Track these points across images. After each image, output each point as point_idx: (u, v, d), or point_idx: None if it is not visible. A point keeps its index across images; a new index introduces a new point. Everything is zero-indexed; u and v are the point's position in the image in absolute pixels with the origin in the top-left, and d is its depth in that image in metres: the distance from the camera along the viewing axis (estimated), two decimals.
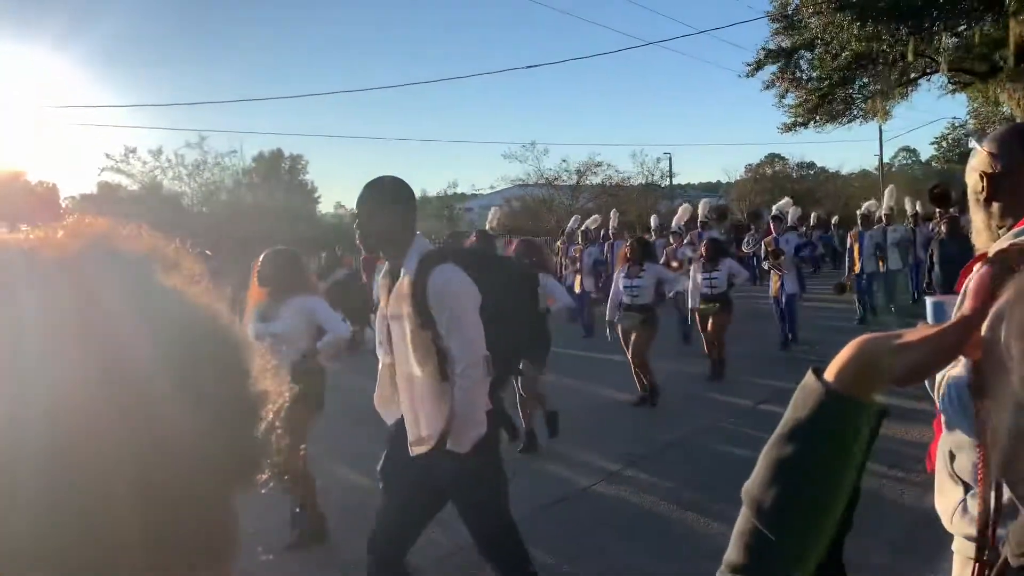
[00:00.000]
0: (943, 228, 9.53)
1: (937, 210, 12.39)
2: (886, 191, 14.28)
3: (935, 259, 8.94)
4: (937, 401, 1.71)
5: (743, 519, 0.77)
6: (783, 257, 10.82)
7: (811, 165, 46.22)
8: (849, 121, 22.12)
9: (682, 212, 14.29)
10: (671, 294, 9.88)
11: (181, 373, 0.47)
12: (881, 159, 38.39)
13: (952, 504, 1.71)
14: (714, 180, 51.54)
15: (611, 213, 15.91)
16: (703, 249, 9.17)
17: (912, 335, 0.75)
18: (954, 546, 1.73)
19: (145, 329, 0.47)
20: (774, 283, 10.85)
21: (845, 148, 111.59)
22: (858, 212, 14.10)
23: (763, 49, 21.28)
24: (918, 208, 15.11)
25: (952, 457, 1.72)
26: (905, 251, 12.92)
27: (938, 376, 1.65)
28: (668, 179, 37.97)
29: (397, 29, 77.95)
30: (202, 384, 0.49)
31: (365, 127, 75.11)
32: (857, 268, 12.46)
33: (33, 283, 0.46)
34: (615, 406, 7.82)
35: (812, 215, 23.72)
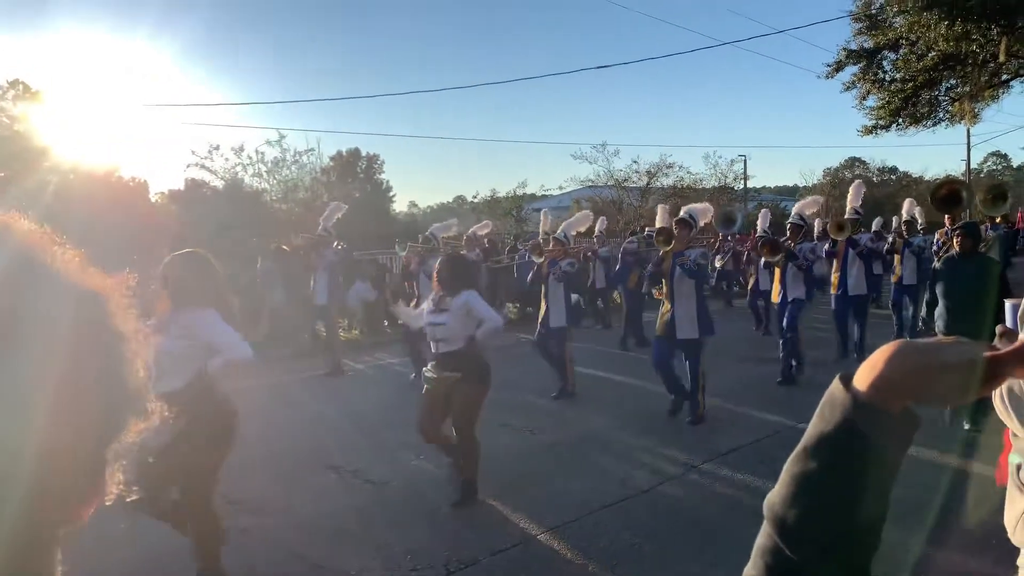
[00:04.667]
0: (956, 242, 6.84)
1: (947, 218, 10.43)
2: (906, 202, 13.09)
3: (938, 288, 6.70)
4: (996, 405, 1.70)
5: (764, 535, 0.73)
6: (778, 255, 9.12)
7: (893, 170, 44.69)
8: (934, 124, 21.38)
9: (660, 213, 11.13)
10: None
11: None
12: (968, 164, 36.81)
13: (1016, 515, 1.71)
14: (790, 184, 50.33)
15: (599, 219, 15.13)
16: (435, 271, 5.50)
17: (955, 352, 0.70)
18: (1019, 561, 1.72)
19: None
20: (775, 289, 9.56)
21: (929, 152, 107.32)
22: (901, 219, 12.67)
23: (844, 49, 20.75)
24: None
25: (1019, 468, 1.71)
26: None
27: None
28: (742, 182, 37.25)
29: (471, 31, 78.63)
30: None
31: (438, 127, 76.06)
32: (896, 276, 11.51)
33: None
34: (685, 408, 7.80)
35: (894, 221, 22.91)
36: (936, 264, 7.12)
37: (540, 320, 8.65)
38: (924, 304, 7.09)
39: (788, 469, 0.72)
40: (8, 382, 0.43)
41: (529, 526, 4.85)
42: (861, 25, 20.14)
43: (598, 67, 32.95)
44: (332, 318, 10.68)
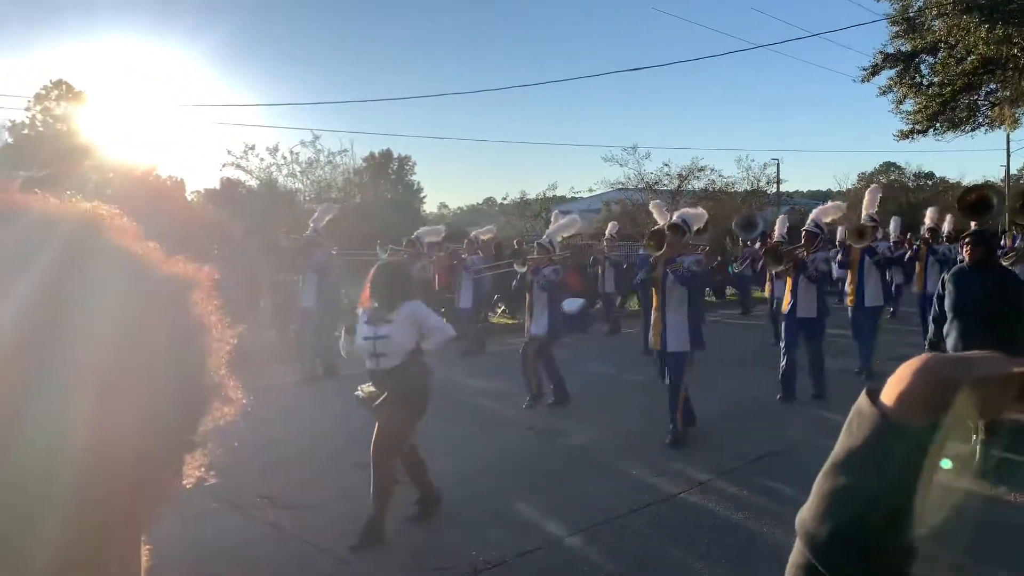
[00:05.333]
0: (965, 251, 6.21)
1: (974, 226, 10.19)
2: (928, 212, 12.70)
3: (946, 302, 6.09)
4: None
5: (797, 552, 0.73)
6: (786, 262, 8.54)
7: (929, 175, 43.91)
8: (973, 129, 21.00)
9: (656, 211, 10.61)
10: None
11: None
12: (1008, 170, 36.03)
13: None
14: (824, 188, 49.70)
15: (610, 223, 14.95)
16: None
17: (986, 366, 0.68)
18: None
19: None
20: (785, 298, 8.77)
21: (968, 158, 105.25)
22: (924, 225, 12.22)
23: (881, 53, 20.45)
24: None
25: None
26: None
27: None
28: (775, 186, 36.87)
29: (504, 33, 78.81)
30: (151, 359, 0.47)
31: (470, 129, 76.38)
32: (919, 285, 11.25)
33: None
34: (709, 416, 7.76)
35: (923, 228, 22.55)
36: (944, 276, 6.47)
37: (526, 329, 8.39)
38: (931, 321, 6.38)
39: (818, 485, 0.72)
40: (82, 365, 0.43)
41: (555, 528, 4.87)
42: (898, 28, 19.83)
43: (631, 69, 32.91)
44: (321, 321, 9.85)
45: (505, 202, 33.08)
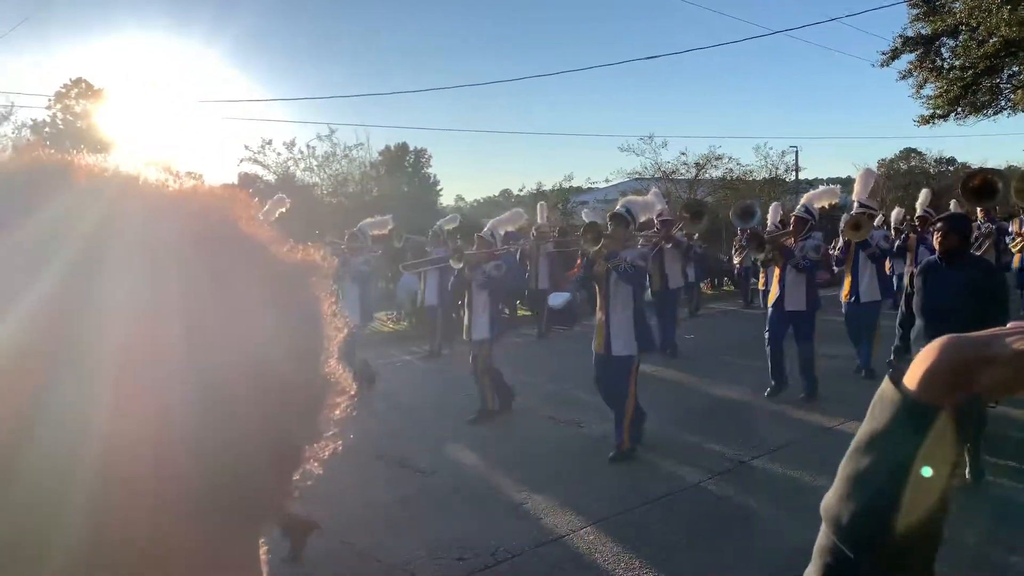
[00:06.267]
0: (936, 240, 5.38)
1: (980, 212, 9.28)
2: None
3: (914, 302, 5.31)
4: None
5: (823, 535, 0.74)
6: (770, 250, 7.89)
7: (951, 161, 43.26)
8: (995, 113, 20.72)
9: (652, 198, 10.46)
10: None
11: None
12: None
13: None
14: (843, 175, 49.15)
15: (538, 205, 14.26)
16: None
17: (1004, 345, 0.67)
18: None
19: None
20: (772, 290, 8.07)
21: (990, 143, 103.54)
22: (916, 212, 11.48)
23: (900, 36, 20.24)
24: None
25: None
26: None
27: None
28: (794, 173, 36.56)
29: (517, 23, 78.55)
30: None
31: (484, 121, 76.27)
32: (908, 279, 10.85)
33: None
34: (730, 405, 7.74)
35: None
36: (911, 270, 5.70)
37: (465, 330, 7.70)
38: (897, 324, 5.51)
39: (842, 469, 0.72)
40: (201, 355, 0.41)
41: (576, 518, 4.88)
42: (918, 11, 19.58)
43: (647, 57, 32.74)
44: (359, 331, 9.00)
45: (521, 193, 33.06)
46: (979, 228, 10.74)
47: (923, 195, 11.51)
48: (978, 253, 10.54)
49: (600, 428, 6.95)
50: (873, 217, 9.30)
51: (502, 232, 8.83)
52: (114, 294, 0.40)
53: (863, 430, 0.71)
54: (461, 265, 7.65)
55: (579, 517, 4.89)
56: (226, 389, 0.42)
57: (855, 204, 8.90)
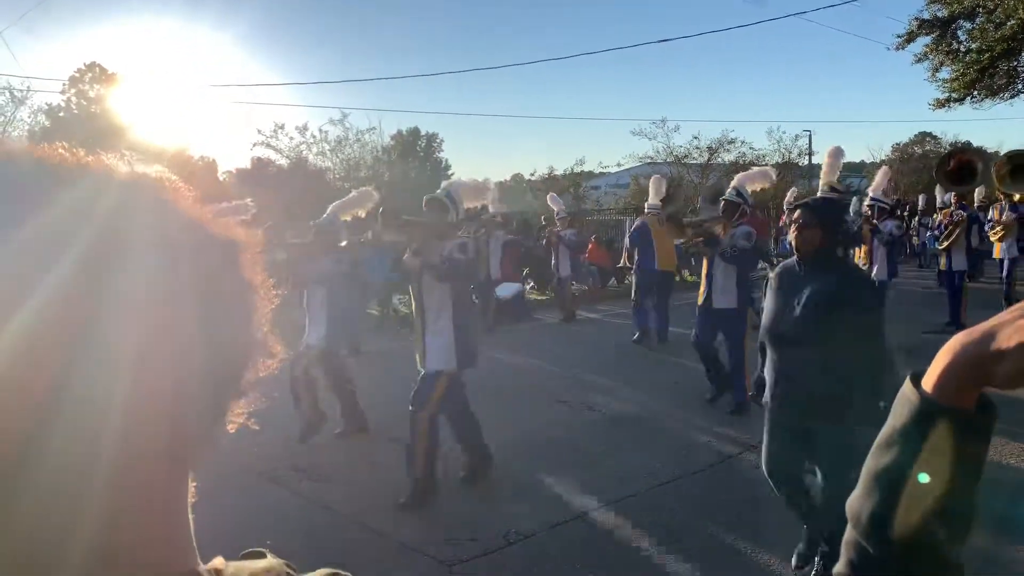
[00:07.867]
0: (792, 234, 3.78)
1: (949, 198, 8.90)
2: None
3: (763, 318, 3.91)
4: None
5: (848, 531, 0.75)
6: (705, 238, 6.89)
7: (967, 145, 42.88)
8: (1012, 96, 20.49)
9: (655, 186, 10.46)
10: None
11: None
12: None
13: None
14: (857, 160, 48.71)
15: (549, 197, 13.32)
16: None
17: (1007, 335, 0.65)
18: None
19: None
20: (701, 288, 7.07)
21: (1006, 126, 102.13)
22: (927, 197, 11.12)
23: (916, 19, 19.98)
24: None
25: None
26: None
27: None
28: (807, 157, 36.27)
29: (527, 7, 78.06)
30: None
31: (495, 105, 76.03)
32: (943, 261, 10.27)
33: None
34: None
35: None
36: (768, 273, 4.39)
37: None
38: (758, 348, 4.04)
39: (865, 466, 0.74)
40: (145, 312, 0.46)
41: (587, 501, 4.92)
42: None
43: (659, 41, 32.45)
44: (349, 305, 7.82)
45: (533, 178, 32.99)
46: (951, 216, 10.33)
47: (881, 174, 10.51)
48: (942, 246, 10.25)
49: (609, 412, 6.99)
50: (885, 209, 9.09)
51: (346, 219, 6.73)
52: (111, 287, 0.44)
53: (885, 429, 0.73)
54: (285, 256, 6.24)
55: (590, 499, 4.93)
56: (220, 358, 0.51)
57: (822, 185, 8.05)
